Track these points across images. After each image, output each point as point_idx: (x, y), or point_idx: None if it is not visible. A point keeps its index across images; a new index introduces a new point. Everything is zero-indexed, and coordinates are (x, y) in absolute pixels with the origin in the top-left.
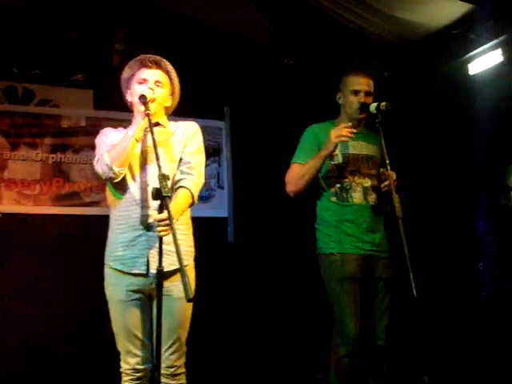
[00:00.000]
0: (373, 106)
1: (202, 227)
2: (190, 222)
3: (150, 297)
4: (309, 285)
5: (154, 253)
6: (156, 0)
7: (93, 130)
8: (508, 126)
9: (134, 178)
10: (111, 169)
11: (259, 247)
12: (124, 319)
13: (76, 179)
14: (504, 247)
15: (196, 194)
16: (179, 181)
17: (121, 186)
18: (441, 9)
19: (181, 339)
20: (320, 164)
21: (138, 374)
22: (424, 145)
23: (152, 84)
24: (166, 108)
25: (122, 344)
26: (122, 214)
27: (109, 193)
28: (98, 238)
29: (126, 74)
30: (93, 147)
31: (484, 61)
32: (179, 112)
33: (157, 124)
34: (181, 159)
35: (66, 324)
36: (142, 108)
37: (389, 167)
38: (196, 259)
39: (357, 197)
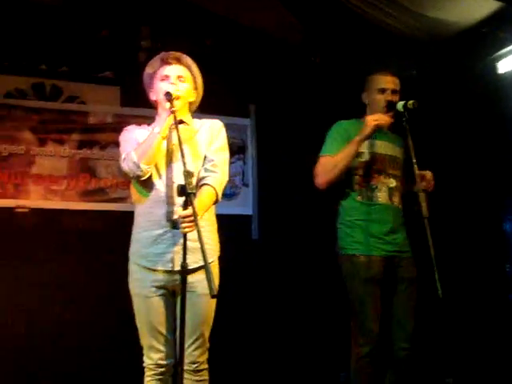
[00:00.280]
0: (400, 105)
1: (227, 225)
2: (214, 219)
3: (174, 293)
4: (332, 284)
5: (178, 250)
6: None
7: (119, 126)
8: None
9: (159, 176)
10: (138, 167)
11: (283, 245)
12: (148, 315)
13: (102, 175)
14: None
15: (220, 192)
16: (203, 178)
17: (146, 184)
18: (471, 7)
19: (204, 335)
20: (354, 151)
21: (161, 370)
22: (451, 144)
23: (175, 79)
24: (190, 104)
25: (145, 339)
26: (148, 211)
27: (134, 190)
28: (123, 233)
29: (147, 72)
30: (119, 144)
31: None
32: (204, 109)
33: (181, 121)
34: (205, 157)
35: (91, 318)
36: (167, 105)
37: (416, 167)
38: (220, 256)
39: (382, 197)
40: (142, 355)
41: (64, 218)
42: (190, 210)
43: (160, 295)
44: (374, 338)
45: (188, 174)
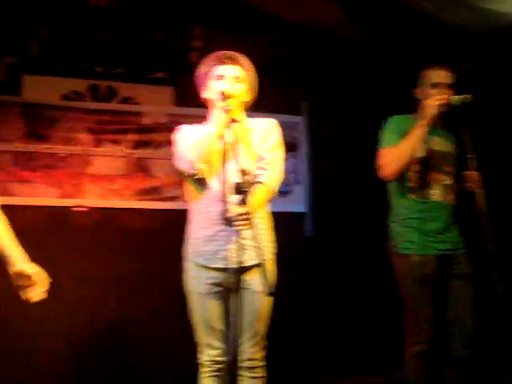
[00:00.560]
0: (454, 99)
1: (280, 222)
2: (269, 217)
3: (229, 290)
4: (386, 281)
5: (233, 247)
6: None
7: (173, 126)
8: None
9: (214, 174)
10: (193, 165)
11: (337, 242)
12: (204, 312)
13: (156, 174)
14: None
15: (275, 190)
16: (258, 176)
17: (201, 182)
18: None
19: (260, 333)
20: (420, 136)
21: (217, 366)
22: (507, 138)
23: (229, 79)
24: (244, 103)
25: (201, 336)
26: (203, 210)
27: (189, 188)
28: (177, 231)
29: (201, 71)
30: (172, 143)
31: None
32: (256, 108)
33: (235, 120)
34: (260, 155)
35: (146, 315)
36: (222, 104)
37: (471, 164)
38: (274, 254)
39: (436, 194)
40: (196, 352)
41: (120, 216)
42: (245, 208)
43: (216, 292)
44: (428, 337)
45: (243, 172)
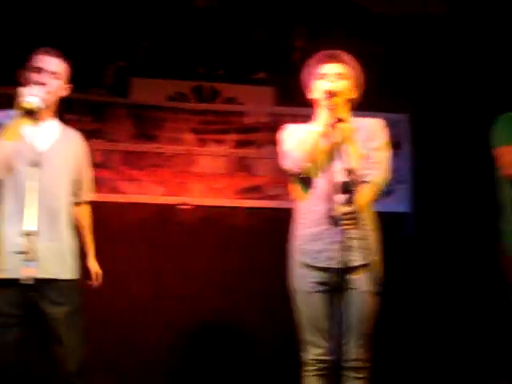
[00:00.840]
0: None
1: (383, 222)
2: (375, 217)
3: (335, 289)
4: (496, 284)
5: (339, 247)
6: None
7: (274, 126)
8: None
9: (320, 173)
10: (299, 164)
11: (441, 244)
12: (309, 310)
13: (258, 173)
14: None
15: (381, 189)
16: (365, 175)
17: (307, 181)
18: None
19: (366, 333)
20: None
21: (321, 365)
22: None
23: (333, 77)
24: (350, 101)
25: (306, 334)
26: (309, 209)
27: (294, 187)
28: (279, 230)
29: (305, 71)
30: (274, 143)
31: None
32: (359, 106)
33: (341, 119)
34: (366, 154)
35: (249, 312)
36: (327, 103)
37: None
38: (381, 254)
39: None
40: (299, 350)
41: (222, 214)
42: (351, 208)
43: (321, 291)
44: None
45: (349, 172)
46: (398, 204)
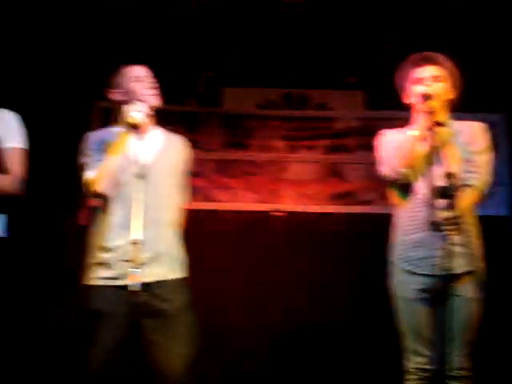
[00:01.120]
0: None
1: (482, 226)
2: (477, 222)
3: (437, 296)
4: None
5: (441, 253)
6: None
7: (365, 130)
8: None
9: (419, 178)
10: (398, 170)
11: None
12: (411, 318)
13: (350, 179)
14: None
15: (483, 194)
16: (466, 179)
17: (406, 187)
18: None
19: (470, 341)
20: None
21: (424, 374)
22: None
23: (429, 81)
24: (448, 103)
25: (408, 342)
26: (409, 215)
27: (393, 193)
28: (373, 235)
29: (400, 75)
30: (365, 147)
31: None
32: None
33: (439, 123)
34: (466, 158)
35: (345, 319)
36: (423, 106)
37: None
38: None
39: None
40: (402, 358)
41: (315, 220)
42: (453, 213)
43: (423, 298)
44: None
45: (449, 176)
46: (498, 207)
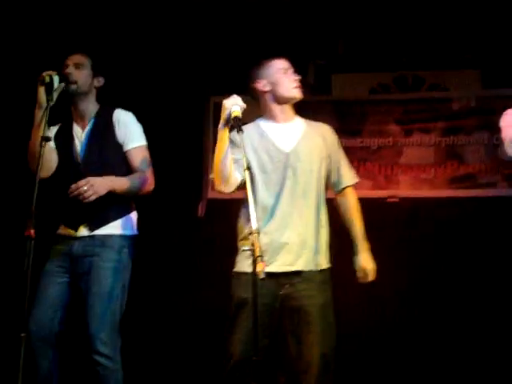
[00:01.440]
0: None
1: None
2: None
3: None
4: None
5: None
6: None
7: (483, 109)
8: None
9: None
10: None
11: None
12: None
13: (470, 161)
14: None
15: None
16: None
17: None
18: None
19: None
20: None
21: None
22: None
23: None
24: None
25: None
26: None
27: None
28: (495, 221)
29: None
30: (485, 127)
31: None
32: None
33: None
34: None
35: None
36: None
37: None
38: None
39: None
40: None
41: (433, 206)
42: None
43: None
44: None
45: None
46: None
